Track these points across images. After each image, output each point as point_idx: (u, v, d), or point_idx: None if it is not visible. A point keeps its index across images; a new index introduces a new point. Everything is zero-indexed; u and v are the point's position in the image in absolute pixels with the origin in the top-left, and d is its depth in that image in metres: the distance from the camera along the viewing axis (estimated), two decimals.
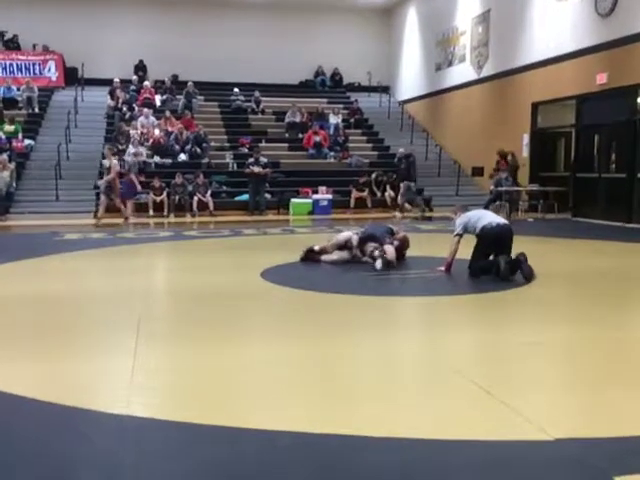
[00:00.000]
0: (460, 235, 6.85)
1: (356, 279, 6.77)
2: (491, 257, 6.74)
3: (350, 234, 7.64)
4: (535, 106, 15.50)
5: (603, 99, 13.33)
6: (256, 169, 15.33)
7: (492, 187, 14.70)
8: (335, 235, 7.86)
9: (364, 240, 7.48)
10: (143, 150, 16.59)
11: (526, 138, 15.77)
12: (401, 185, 15.41)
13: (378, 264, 6.95)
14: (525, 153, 15.82)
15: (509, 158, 15.24)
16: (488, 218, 6.83)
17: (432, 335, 4.66)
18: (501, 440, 2.74)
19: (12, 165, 14.65)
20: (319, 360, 3.95)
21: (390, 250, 7.16)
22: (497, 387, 3.34)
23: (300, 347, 4.21)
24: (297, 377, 3.68)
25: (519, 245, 6.75)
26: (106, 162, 13.64)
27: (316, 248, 7.66)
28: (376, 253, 7.12)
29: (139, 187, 14.87)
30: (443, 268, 6.86)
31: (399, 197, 15.42)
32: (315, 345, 4.24)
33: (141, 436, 2.86)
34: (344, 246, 7.57)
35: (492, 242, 6.64)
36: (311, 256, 7.63)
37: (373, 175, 16.65)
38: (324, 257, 7.60)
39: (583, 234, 11.09)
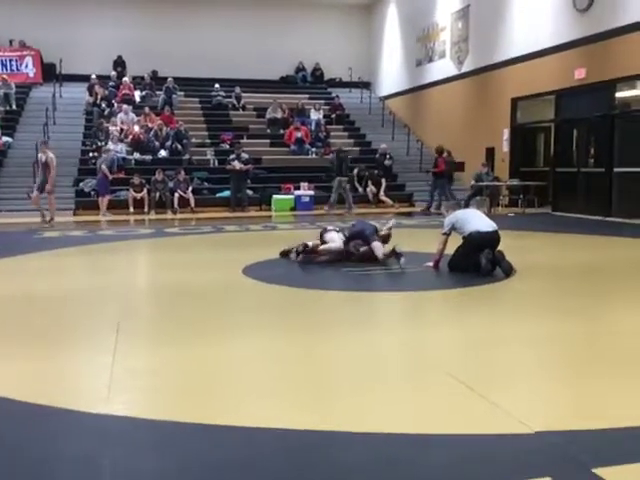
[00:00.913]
0: (447, 234, 6.86)
1: (338, 275, 6.77)
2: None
3: (341, 245, 7.37)
4: (515, 101, 15.61)
5: (581, 94, 13.46)
6: (237, 165, 15.26)
7: (473, 182, 14.79)
8: (325, 235, 7.54)
9: (352, 237, 7.43)
10: (122, 147, 16.44)
11: (506, 133, 15.87)
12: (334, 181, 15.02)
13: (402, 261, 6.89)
14: (505, 148, 15.93)
15: (445, 155, 15.27)
16: (476, 223, 6.72)
17: (413, 330, 4.67)
18: (481, 434, 2.75)
19: None
20: (301, 356, 3.94)
21: (379, 245, 7.19)
22: (477, 381, 3.36)
23: (282, 344, 4.20)
24: (279, 374, 3.67)
25: (501, 240, 6.78)
26: (42, 156, 12.53)
27: (310, 244, 7.42)
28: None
29: (110, 177, 14.71)
30: (431, 264, 6.87)
31: (332, 194, 15.02)
32: (297, 341, 4.23)
33: (121, 435, 2.83)
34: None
35: (477, 248, 6.59)
36: (308, 257, 7.34)
37: (355, 170, 16.66)
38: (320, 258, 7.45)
39: (563, 228, 11.19)
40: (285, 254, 7.58)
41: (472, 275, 6.41)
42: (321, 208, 15.28)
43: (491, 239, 6.63)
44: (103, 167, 14.50)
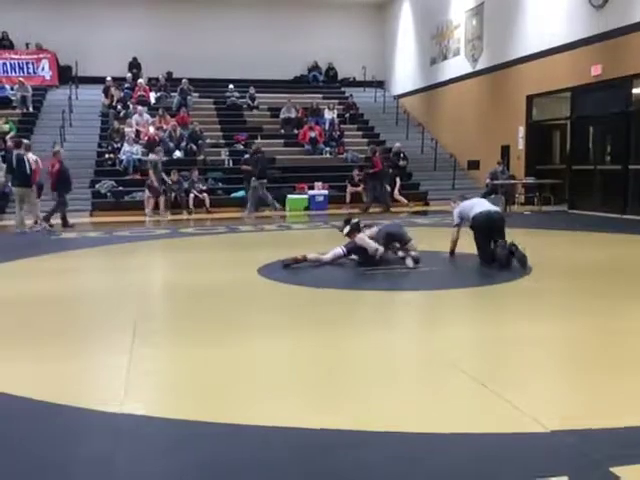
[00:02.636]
0: (458, 225, 7.20)
1: (353, 274, 6.77)
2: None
3: (339, 251, 7.19)
4: (530, 98, 15.50)
5: (598, 91, 13.33)
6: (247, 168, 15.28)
7: (488, 180, 14.71)
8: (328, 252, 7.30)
9: (389, 239, 7.31)
10: (138, 148, 16.55)
11: (522, 131, 15.77)
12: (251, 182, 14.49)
13: (409, 262, 6.90)
14: (521, 146, 15.83)
15: (377, 155, 15.14)
16: (479, 206, 7.06)
17: (428, 329, 4.67)
18: (497, 433, 2.74)
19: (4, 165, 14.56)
20: (317, 355, 3.95)
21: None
22: (492, 380, 3.35)
23: (297, 343, 4.21)
24: (295, 373, 3.68)
25: (516, 238, 6.77)
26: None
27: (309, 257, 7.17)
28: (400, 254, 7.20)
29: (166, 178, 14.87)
30: (448, 254, 7.33)
31: (249, 198, 14.57)
32: (313, 341, 4.24)
33: (136, 434, 2.85)
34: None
35: (485, 228, 6.86)
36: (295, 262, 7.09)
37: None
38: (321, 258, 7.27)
39: (579, 226, 11.10)
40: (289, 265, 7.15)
41: (491, 270, 6.41)
42: (337, 207, 15.27)
43: (494, 217, 6.92)
44: (159, 169, 14.69)
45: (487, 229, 6.86)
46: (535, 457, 2.54)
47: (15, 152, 11.67)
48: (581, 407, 3.08)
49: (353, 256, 7.23)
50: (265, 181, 14.62)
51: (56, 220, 12.48)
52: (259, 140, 17.36)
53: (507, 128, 16.09)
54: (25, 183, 11.55)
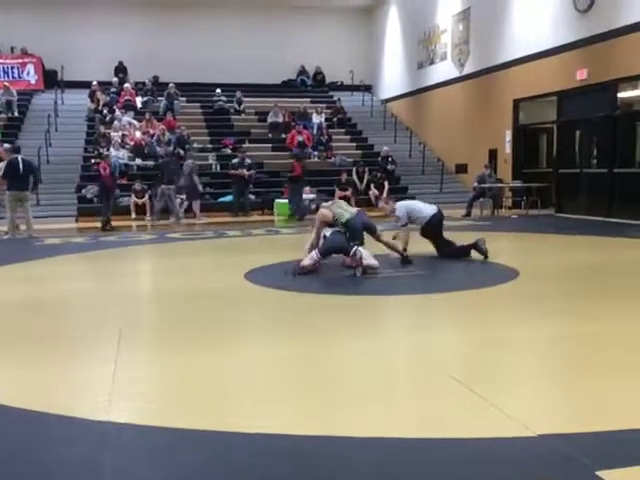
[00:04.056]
0: (406, 224, 7.71)
1: (340, 279, 6.74)
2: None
3: (314, 256, 6.87)
4: (516, 103, 15.58)
5: (583, 95, 13.42)
6: (245, 173, 15.26)
7: (475, 184, 14.76)
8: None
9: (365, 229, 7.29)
10: (124, 153, 16.47)
11: (508, 135, 15.85)
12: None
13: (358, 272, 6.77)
14: (508, 149, 15.91)
15: (300, 161, 15.14)
16: (427, 207, 7.85)
17: (415, 334, 4.65)
18: (484, 437, 2.72)
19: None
20: (306, 362, 3.91)
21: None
22: (479, 385, 3.33)
23: (285, 349, 4.17)
24: (280, 379, 3.65)
25: (505, 241, 6.79)
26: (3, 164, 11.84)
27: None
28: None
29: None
30: (401, 255, 7.37)
31: (155, 203, 14.38)
32: (302, 347, 4.21)
33: (123, 442, 2.81)
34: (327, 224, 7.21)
35: (439, 226, 7.80)
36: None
37: (353, 169, 16.67)
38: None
39: (566, 230, 11.15)
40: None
41: (473, 276, 6.40)
42: None
43: (442, 217, 7.85)
44: (194, 176, 14.75)
45: (440, 227, 7.77)
46: (523, 461, 2.53)
47: (14, 156, 11.67)
48: (569, 411, 3.07)
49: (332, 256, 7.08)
50: (172, 187, 13.99)
51: (41, 226, 12.37)
52: (247, 144, 17.33)
53: (494, 132, 16.16)
54: (24, 187, 11.65)
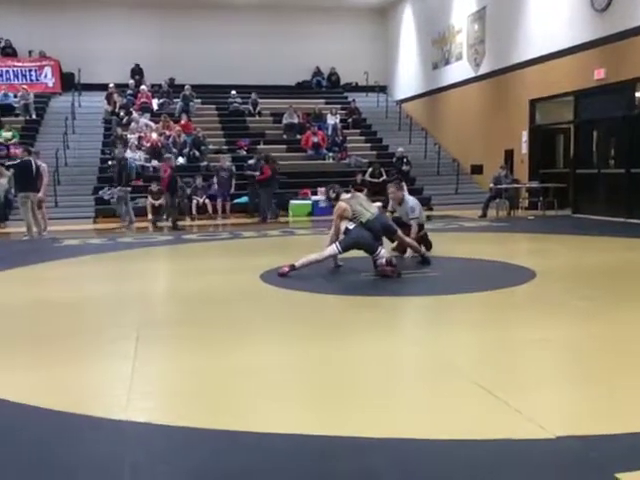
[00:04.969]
0: (417, 218, 8.06)
1: (355, 280, 6.74)
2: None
3: (334, 249, 6.95)
4: (533, 103, 15.48)
5: (601, 94, 13.30)
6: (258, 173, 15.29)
7: (491, 185, 14.68)
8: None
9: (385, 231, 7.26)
10: (141, 154, 16.57)
11: (525, 135, 15.75)
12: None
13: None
14: (524, 150, 15.81)
15: (268, 163, 14.99)
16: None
17: (432, 334, 4.64)
18: (502, 439, 2.71)
19: (10, 172, 14.61)
20: (321, 362, 3.92)
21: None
22: (497, 386, 3.32)
23: (300, 349, 4.18)
24: (297, 379, 3.66)
25: (521, 242, 6.75)
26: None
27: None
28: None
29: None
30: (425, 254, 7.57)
31: (117, 207, 13.94)
32: (317, 347, 4.21)
33: (140, 441, 2.83)
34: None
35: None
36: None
37: (369, 169, 16.63)
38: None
39: (583, 231, 11.06)
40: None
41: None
42: None
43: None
44: (222, 174, 15.38)
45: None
46: (541, 463, 2.52)
47: (29, 159, 11.78)
48: (587, 413, 3.05)
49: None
50: (129, 189, 13.62)
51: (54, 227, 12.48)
52: (260, 146, 17.37)
53: (510, 132, 16.07)
54: (34, 189, 11.77)
